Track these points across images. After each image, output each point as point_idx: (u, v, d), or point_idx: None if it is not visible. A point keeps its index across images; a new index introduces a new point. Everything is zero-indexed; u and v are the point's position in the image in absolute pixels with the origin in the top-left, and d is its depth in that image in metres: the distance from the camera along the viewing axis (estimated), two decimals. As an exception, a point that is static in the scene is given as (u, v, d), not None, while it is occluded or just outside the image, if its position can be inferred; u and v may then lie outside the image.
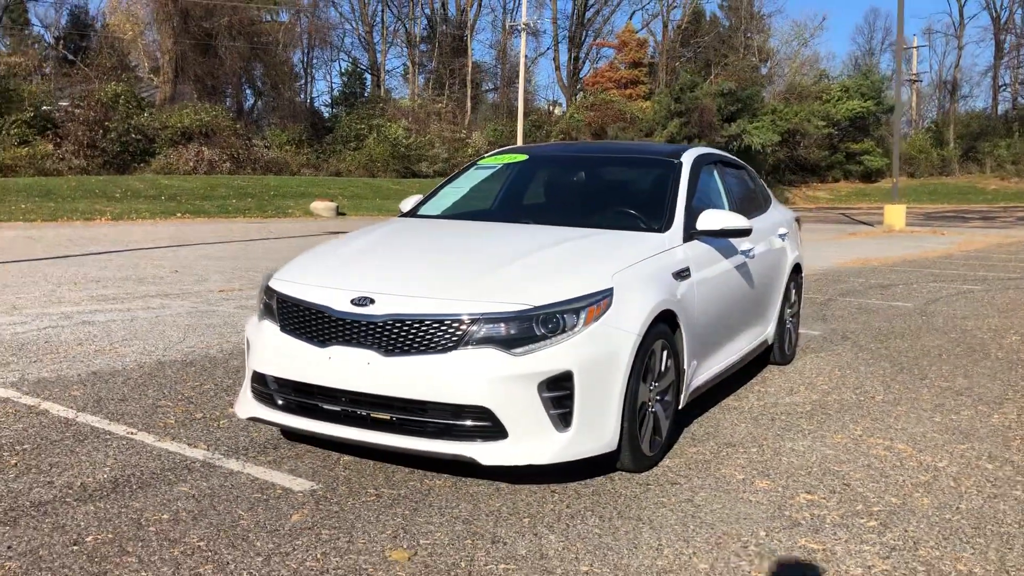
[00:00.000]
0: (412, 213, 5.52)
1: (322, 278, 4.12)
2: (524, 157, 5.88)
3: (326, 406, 3.88)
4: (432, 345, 3.68)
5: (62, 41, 52.27)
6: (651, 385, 4.23)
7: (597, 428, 3.82)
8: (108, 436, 4.52)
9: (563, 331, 3.75)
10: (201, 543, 3.31)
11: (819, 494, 4.03)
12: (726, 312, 5.16)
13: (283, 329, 4.03)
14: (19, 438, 4.45)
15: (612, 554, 3.33)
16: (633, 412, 4.00)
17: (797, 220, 7.23)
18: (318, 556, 3.23)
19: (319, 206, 27.68)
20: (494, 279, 3.96)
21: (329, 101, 53.84)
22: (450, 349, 3.66)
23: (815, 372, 6.55)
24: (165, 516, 3.55)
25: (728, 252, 5.20)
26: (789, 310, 6.73)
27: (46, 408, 4.99)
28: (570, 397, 3.72)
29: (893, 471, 4.38)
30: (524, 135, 41.27)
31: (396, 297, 3.82)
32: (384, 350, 3.73)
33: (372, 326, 3.76)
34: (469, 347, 3.66)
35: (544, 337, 3.72)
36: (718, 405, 5.49)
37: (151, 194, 27.42)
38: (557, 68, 55.97)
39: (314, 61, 48.76)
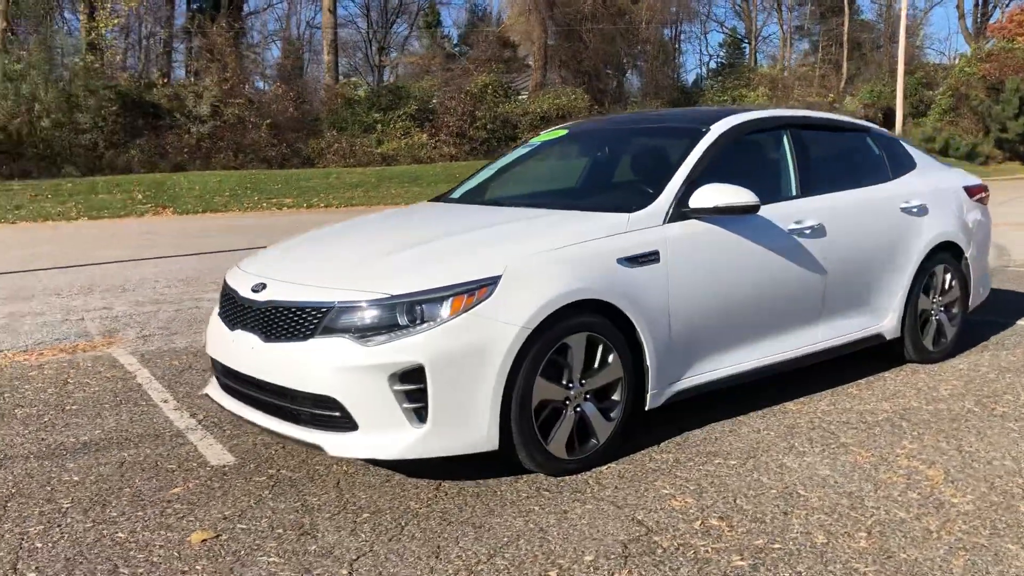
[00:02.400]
0: (442, 196, 5.46)
1: (255, 265, 4.28)
2: (563, 133, 5.55)
3: (236, 387, 4.06)
4: (295, 333, 3.70)
5: (459, 39, 57.15)
6: (569, 383, 3.86)
7: (463, 425, 3.59)
8: (143, 403, 5.08)
9: (423, 322, 3.56)
10: (68, 506, 3.66)
11: (732, 521, 3.43)
12: (747, 301, 4.49)
13: (218, 313, 4.27)
14: (81, 398, 5.16)
15: (393, 557, 3.16)
16: (525, 410, 3.69)
17: (970, 189, 5.99)
18: (135, 529, 3.43)
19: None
20: (379, 266, 3.87)
21: (702, 74, 53.29)
22: (308, 337, 3.66)
23: (956, 375, 5.43)
24: (76, 479, 3.96)
25: (755, 231, 4.51)
26: (937, 298, 5.63)
27: (135, 373, 5.71)
28: (425, 391, 3.53)
29: (874, 503, 3.59)
30: (906, 94, 37.76)
31: (281, 284, 3.88)
32: (264, 335, 3.81)
33: (258, 312, 3.87)
34: (324, 336, 3.62)
35: (404, 327, 3.56)
36: (768, 408, 4.80)
37: (506, 175, 29.12)
38: (960, 16, 50.24)
39: (681, 35, 48.45)
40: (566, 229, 4.07)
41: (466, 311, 3.58)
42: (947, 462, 4.01)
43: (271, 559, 3.16)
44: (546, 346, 3.72)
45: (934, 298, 5.62)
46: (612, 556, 3.16)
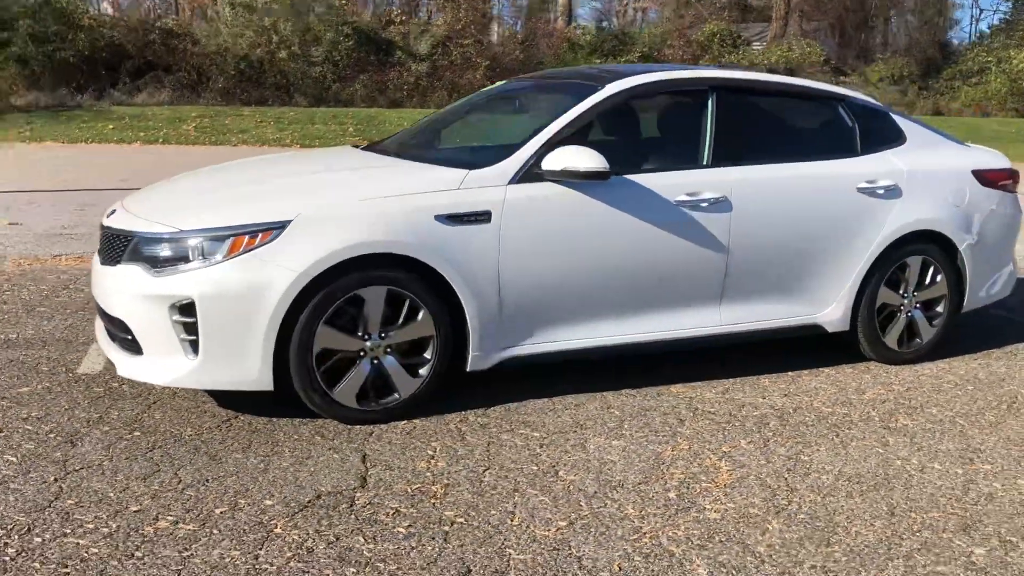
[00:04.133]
0: (375, 143, 5.48)
1: (130, 195, 4.57)
2: (502, 85, 5.40)
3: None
4: (113, 258, 3.97)
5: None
6: (365, 335, 3.88)
7: (234, 362, 3.72)
8: (89, 315, 5.51)
9: (203, 257, 3.71)
10: (-73, 390, 4.17)
11: (452, 490, 3.38)
12: (611, 272, 4.25)
13: None
14: (52, 303, 5.75)
15: (109, 474, 3.38)
16: (304, 356, 3.76)
17: (984, 173, 5.24)
18: (-51, 418, 3.87)
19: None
20: (197, 202, 4.05)
21: (974, 31, 48.38)
22: (117, 263, 3.91)
23: (907, 380, 4.87)
24: (-39, 369, 4.48)
25: (626, 199, 4.25)
26: (911, 294, 5.04)
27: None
28: (197, 325, 3.70)
29: (618, 497, 3.40)
30: None
31: (123, 213, 4.15)
32: (101, 258, 4.12)
33: (102, 236, 4.17)
34: (128, 263, 3.85)
35: (187, 262, 3.73)
36: (649, 388, 4.55)
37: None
38: None
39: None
40: (393, 181, 4.05)
41: (246, 252, 3.69)
42: (759, 468, 3.68)
43: (10, 459, 3.47)
44: (332, 295, 3.76)
45: (905, 293, 5.03)
46: (292, 504, 3.21)
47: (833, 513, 3.30)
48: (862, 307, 4.91)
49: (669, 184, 4.36)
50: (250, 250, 3.69)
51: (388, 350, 3.93)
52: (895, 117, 5.15)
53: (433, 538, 3.01)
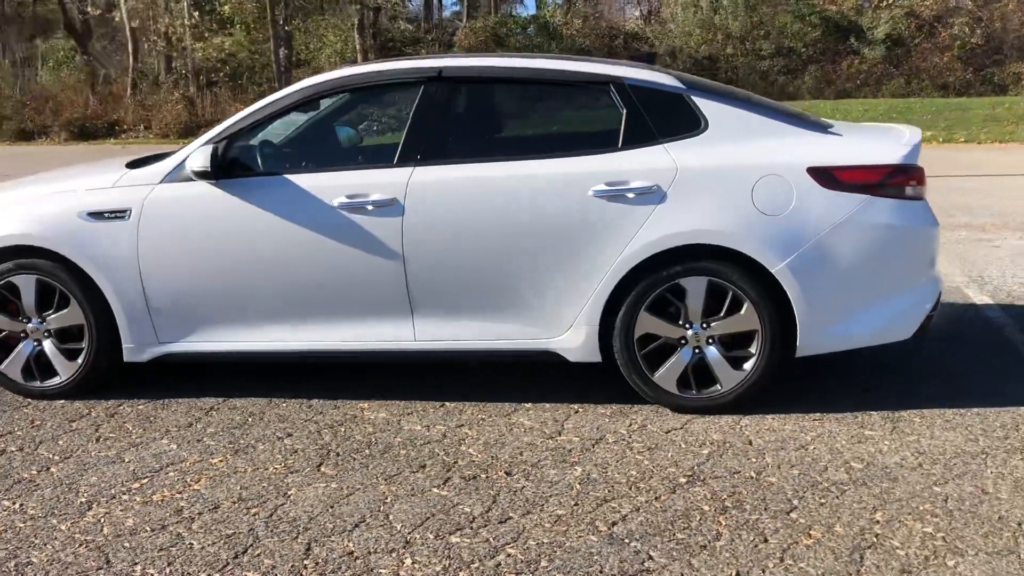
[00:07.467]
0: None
1: None
2: None
3: None
4: None
5: None
6: (24, 318, 4.32)
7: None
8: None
9: None
10: None
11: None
12: (268, 276, 4.09)
13: None
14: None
15: None
16: (-31, 338, 4.34)
17: (829, 172, 3.86)
18: None
19: None
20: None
21: None
22: None
23: (644, 433, 3.87)
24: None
25: (276, 200, 4.04)
26: (699, 325, 3.96)
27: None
28: None
29: (41, 490, 3.47)
30: None
31: None
32: None
33: None
34: None
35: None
36: (336, 402, 4.30)
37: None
38: None
39: None
40: (63, 183, 4.42)
41: None
42: (215, 493, 3.39)
43: None
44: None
45: (686, 323, 3.97)
46: None
47: (144, 543, 2.98)
48: (617, 336, 4.00)
49: (330, 185, 4.06)
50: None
51: (47, 334, 4.31)
52: (698, 100, 4.02)
53: None
